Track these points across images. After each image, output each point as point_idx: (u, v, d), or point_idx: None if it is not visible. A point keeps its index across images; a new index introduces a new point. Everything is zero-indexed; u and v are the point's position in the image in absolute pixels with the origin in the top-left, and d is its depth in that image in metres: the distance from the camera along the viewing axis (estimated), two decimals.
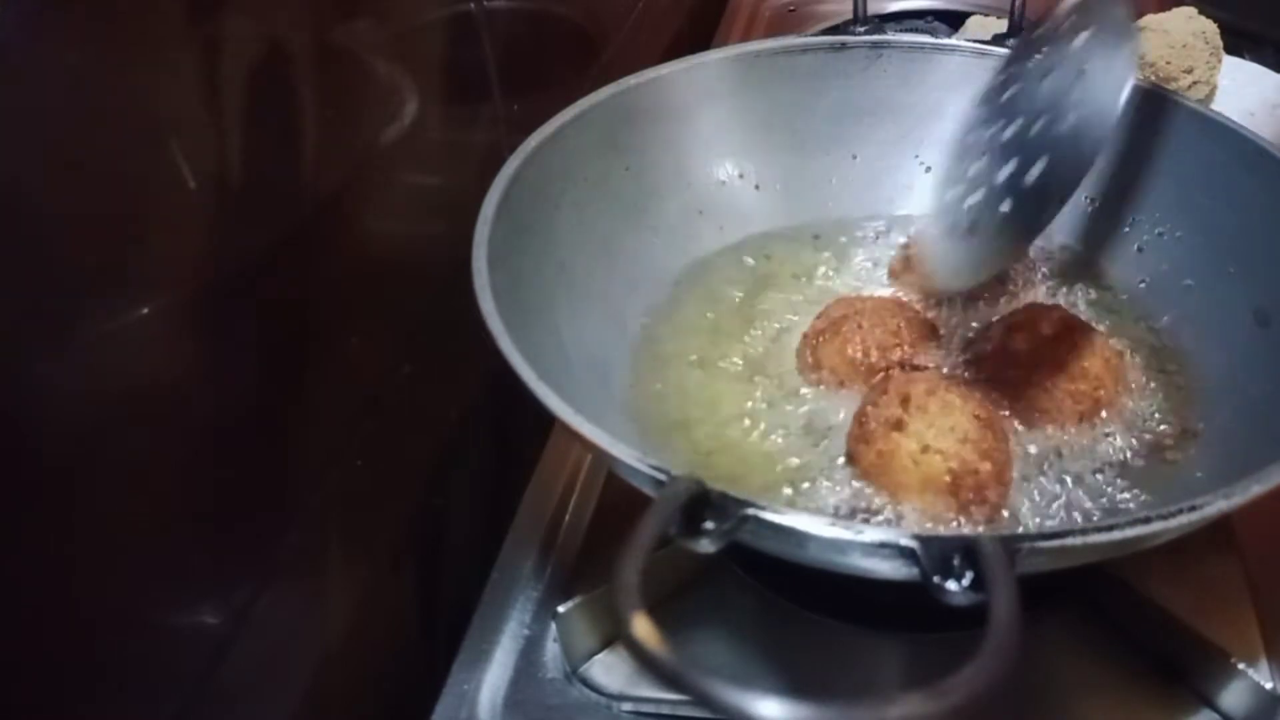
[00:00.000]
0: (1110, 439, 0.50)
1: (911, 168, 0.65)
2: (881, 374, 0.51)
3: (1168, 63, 0.81)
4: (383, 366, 0.52)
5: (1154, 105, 0.58)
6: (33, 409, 0.31)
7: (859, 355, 0.52)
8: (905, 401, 0.46)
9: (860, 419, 0.48)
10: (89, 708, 0.34)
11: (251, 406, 0.42)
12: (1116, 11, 0.49)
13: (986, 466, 0.45)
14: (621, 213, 0.58)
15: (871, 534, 0.34)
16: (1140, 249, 0.59)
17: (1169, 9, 0.85)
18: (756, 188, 0.63)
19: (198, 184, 0.38)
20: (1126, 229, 0.59)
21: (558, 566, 0.53)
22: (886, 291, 0.59)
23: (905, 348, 0.52)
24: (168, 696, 0.37)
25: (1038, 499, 0.47)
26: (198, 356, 0.39)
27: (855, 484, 0.47)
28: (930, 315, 0.56)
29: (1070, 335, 0.52)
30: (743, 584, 0.50)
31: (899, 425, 0.46)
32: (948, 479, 0.44)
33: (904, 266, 0.60)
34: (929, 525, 0.45)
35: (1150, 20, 0.84)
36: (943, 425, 0.45)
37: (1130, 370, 0.53)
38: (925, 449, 0.45)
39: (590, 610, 0.47)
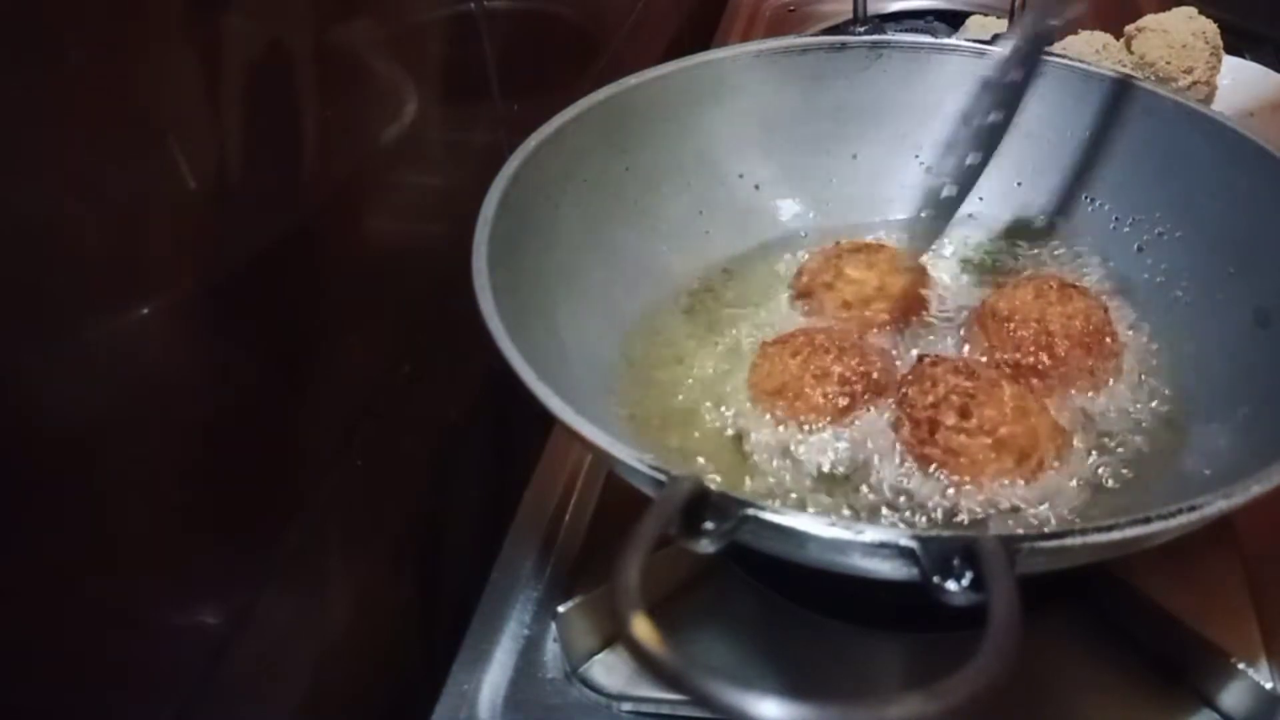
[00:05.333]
0: (1108, 437, 0.50)
1: (912, 168, 0.65)
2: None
3: (1168, 63, 0.81)
4: (383, 366, 0.52)
5: (1154, 105, 0.58)
6: (33, 409, 0.31)
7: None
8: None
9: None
10: (89, 707, 0.34)
11: (251, 406, 0.42)
12: None
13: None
14: (621, 213, 0.58)
15: (871, 534, 0.34)
16: (1140, 249, 0.59)
17: (1169, 9, 0.85)
18: (756, 188, 0.63)
19: (197, 184, 0.38)
20: (1127, 229, 0.59)
21: (558, 566, 0.53)
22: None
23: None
24: (168, 696, 0.37)
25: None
26: (198, 356, 0.39)
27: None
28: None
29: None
30: (743, 584, 0.50)
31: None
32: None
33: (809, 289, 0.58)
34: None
35: (1150, 20, 0.84)
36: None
37: (1129, 368, 0.53)
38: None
39: (590, 610, 0.47)
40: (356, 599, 0.50)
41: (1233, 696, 0.45)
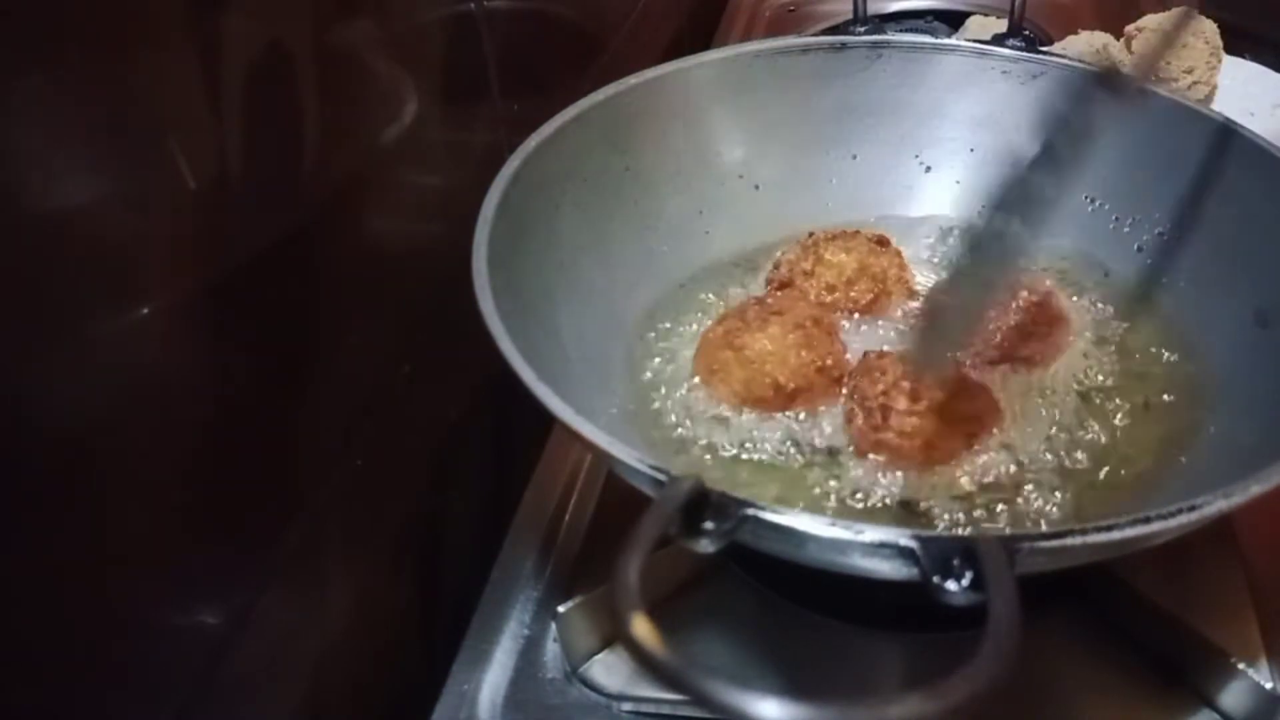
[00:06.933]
0: (1101, 434, 0.50)
1: (911, 168, 0.65)
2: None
3: (1168, 63, 0.81)
4: (383, 366, 0.52)
5: (1154, 105, 0.58)
6: (33, 409, 0.31)
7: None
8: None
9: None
10: (89, 707, 0.34)
11: (251, 407, 0.42)
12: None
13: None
14: (621, 213, 0.58)
15: (871, 534, 0.34)
16: (1140, 249, 0.59)
17: (1169, 9, 0.85)
18: (756, 188, 0.63)
19: (197, 184, 0.38)
20: (1127, 229, 0.59)
21: (558, 566, 0.53)
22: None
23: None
24: (168, 696, 0.37)
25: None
26: (198, 356, 0.39)
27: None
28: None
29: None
30: (743, 584, 0.50)
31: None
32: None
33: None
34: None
35: (1150, 20, 0.84)
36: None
37: (1127, 368, 0.54)
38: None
39: (590, 610, 0.47)
40: (356, 599, 0.50)
41: (1233, 696, 0.45)
